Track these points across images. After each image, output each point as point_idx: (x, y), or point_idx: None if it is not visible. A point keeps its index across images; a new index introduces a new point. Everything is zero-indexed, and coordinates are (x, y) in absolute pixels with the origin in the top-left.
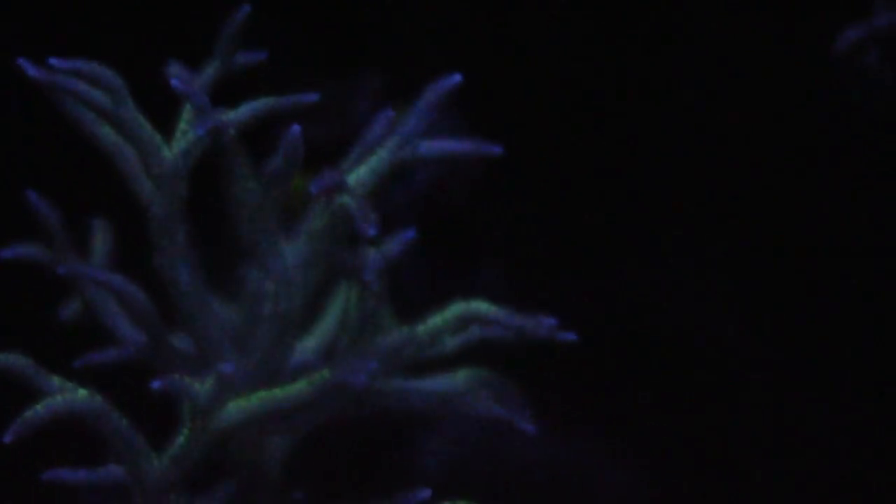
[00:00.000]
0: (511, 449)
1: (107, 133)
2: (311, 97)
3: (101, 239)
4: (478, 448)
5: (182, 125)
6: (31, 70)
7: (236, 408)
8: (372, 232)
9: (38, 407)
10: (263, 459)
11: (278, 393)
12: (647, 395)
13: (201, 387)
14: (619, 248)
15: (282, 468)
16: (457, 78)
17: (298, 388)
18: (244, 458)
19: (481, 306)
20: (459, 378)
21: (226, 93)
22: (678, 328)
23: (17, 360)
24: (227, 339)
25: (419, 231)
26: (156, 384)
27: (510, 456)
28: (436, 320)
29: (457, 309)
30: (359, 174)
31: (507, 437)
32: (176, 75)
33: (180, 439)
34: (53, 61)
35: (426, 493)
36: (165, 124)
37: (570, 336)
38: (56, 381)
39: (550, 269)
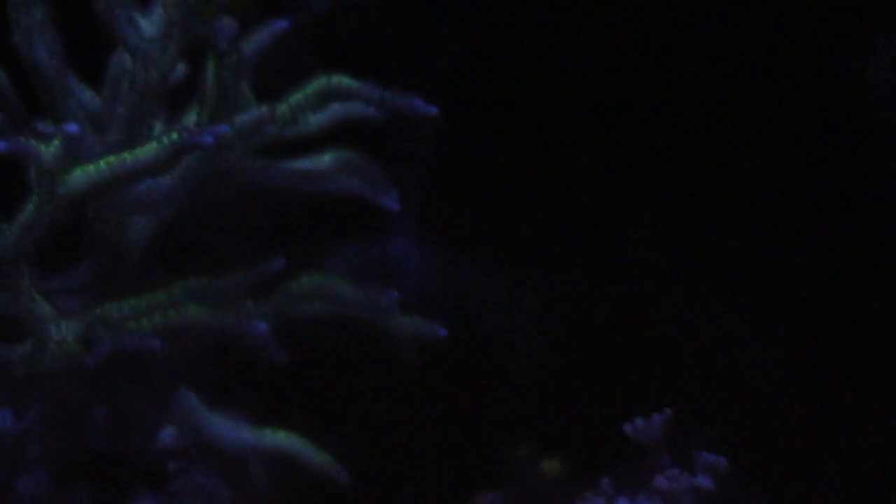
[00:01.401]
0: (417, 278)
1: None
2: None
3: None
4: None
5: None
6: None
7: (84, 172)
8: None
9: None
10: (125, 241)
11: (127, 156)
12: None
13: (47, 148)
14: None
15: (144, 251)
16: None
17: (147, 149)
18: (105, 238)
19: (342, 80)
20: (326, 158)
21: None
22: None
23: None
24: (88, 117)
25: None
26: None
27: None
28: (297, 96)
29: (317, 83)
30: None
31: (406, 267)
32: None
33: (29, 206)
34: None
35: (280, 262)
36: None
37: (432, 110)
38: None
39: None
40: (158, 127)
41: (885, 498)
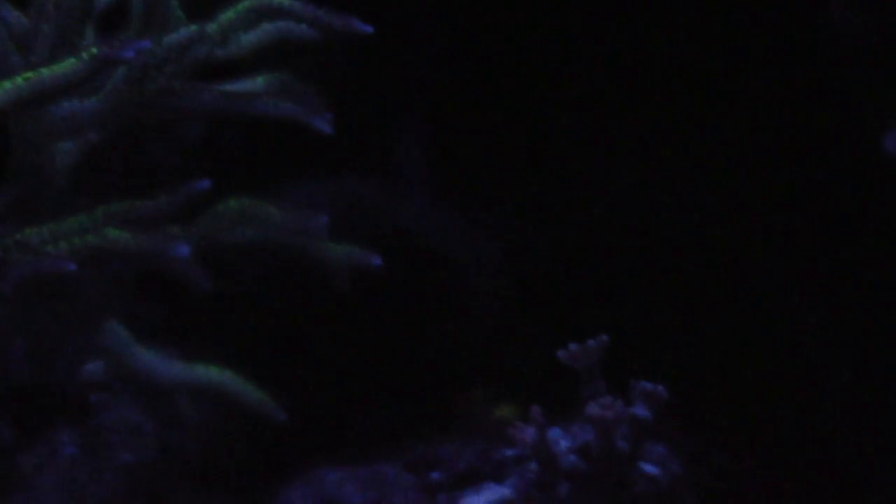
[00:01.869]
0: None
1: None
2: None
3: None
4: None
5: None
6: None
7: (1, 88)
8: None
9: None
10: (49, 166)
11: (45, 71)
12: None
13: None
14: None
15: (69, 176)
16: None
17: (66, 64)
18: (29, 163)
19: None
20: (258, 81)
21: None
22: None
23: None
24: (13, 37)
25: None
26: None
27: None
28: (227, 14)
29: (248, 2)
30: None
31: (365, 204)
32: None
33: None
34: None
35: (206, 183)
36: None
37: (367, 28)
38: None
39: None
40: None
41: (827, 412)
